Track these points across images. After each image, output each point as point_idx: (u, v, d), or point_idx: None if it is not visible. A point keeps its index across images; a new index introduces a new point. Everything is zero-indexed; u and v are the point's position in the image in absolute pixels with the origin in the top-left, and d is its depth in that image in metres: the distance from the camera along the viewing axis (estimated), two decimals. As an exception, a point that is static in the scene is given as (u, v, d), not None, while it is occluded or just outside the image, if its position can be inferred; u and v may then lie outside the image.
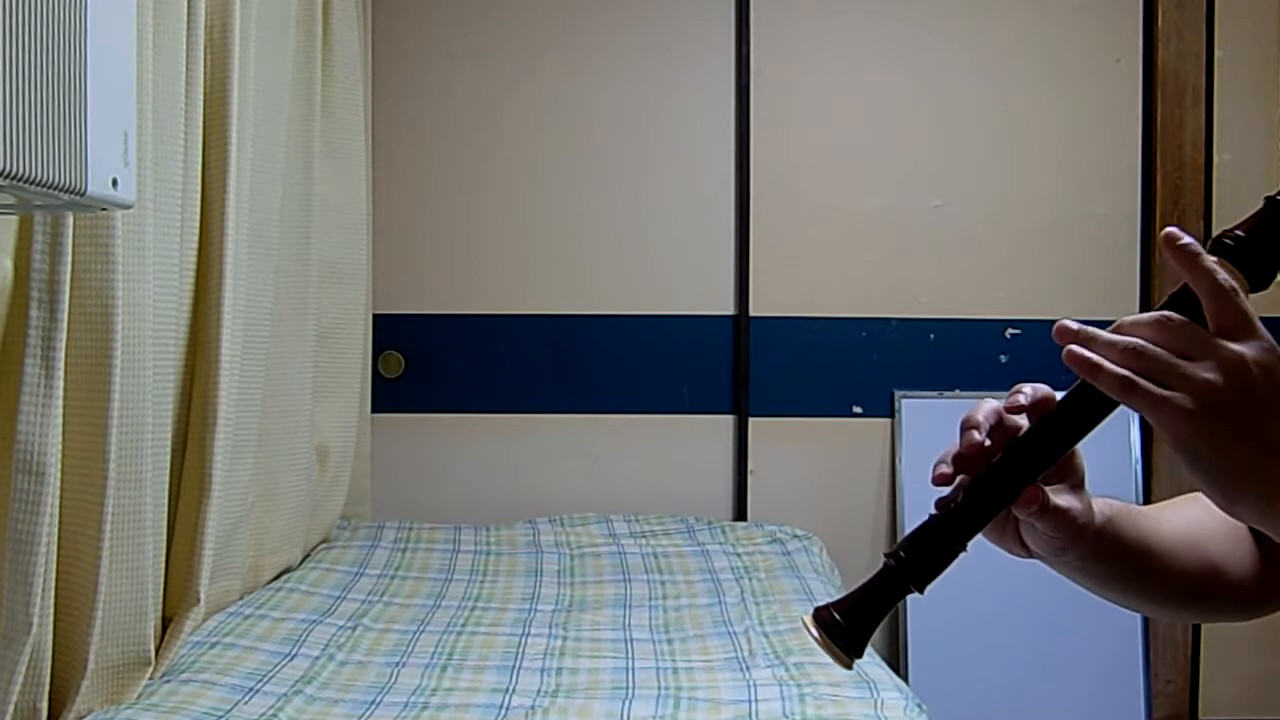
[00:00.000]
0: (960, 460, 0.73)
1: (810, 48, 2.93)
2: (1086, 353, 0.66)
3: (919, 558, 0.73)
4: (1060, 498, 0.74)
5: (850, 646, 0.72)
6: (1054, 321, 0.69)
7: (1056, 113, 2.92)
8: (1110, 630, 2.79)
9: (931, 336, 2.92)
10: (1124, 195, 2.92)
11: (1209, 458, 0.65)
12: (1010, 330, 2.87)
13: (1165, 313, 0.66)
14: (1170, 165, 2.87)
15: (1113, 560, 0.79)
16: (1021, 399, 0.73)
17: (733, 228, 2.92)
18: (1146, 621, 2.82)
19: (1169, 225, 2.74)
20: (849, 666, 0.74)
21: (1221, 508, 0.67)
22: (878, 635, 2.85)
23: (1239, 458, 0.64)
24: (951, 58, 2.93)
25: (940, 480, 0.73)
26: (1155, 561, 0.81)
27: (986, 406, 0.74)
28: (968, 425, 0.73)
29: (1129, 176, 2.92)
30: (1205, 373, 0.64)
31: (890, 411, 2.91)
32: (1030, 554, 0.78)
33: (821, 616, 0.73)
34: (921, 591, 0.73)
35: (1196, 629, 2.88)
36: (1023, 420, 0.73)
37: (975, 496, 0.72)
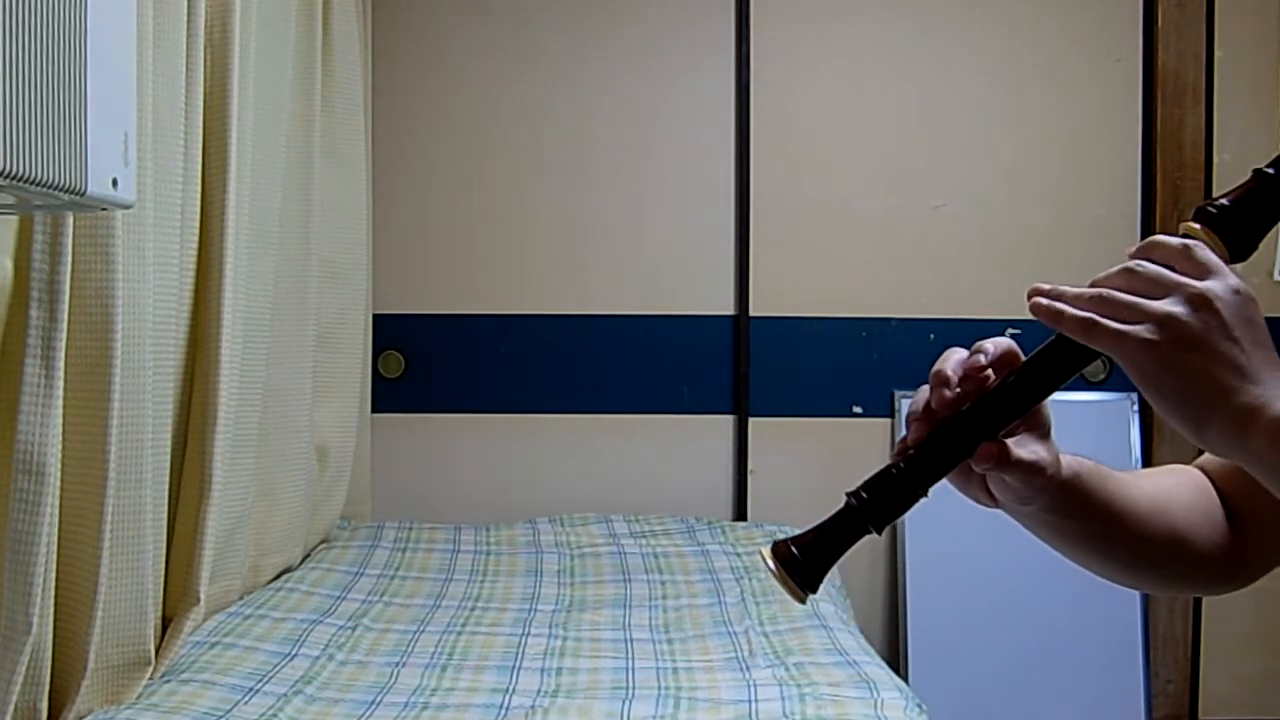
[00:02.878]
0: (930, 413, 0.74)
1: (810, 48, 2.93)
2: (1050, 301, 0.69)
3: (880, 500, 0.74)
4: (1026, 449, 0.74)
5: (806, 581, 0.74)
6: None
7: (1056, 113, 2.92)
8: (1110, 630, 2.79)
9: (931, 336, 2.92)
10: (1124, 195, 2.92)
11: (1174, 387, 0.66)
12: (1010, 330, 2.87)
13: (1136, 261, 0.68)
14: (1170, 165, 2.87)
15: (1077, 516, 0.80)
16: (983, 358, 0.74)
17: (733, 228, 2.92)
18: (1146, 621, 2.82)
19: (1169, 225, 2.73)
20: (803, 601, 0.75)
21: (1192, 439, 0.68)
22: (878, 634, 2.86)
23: (1205, 384, 0.65)
24: (952, 58, 2.93)
25: (906, 445, 0.74)
26: (1120, 522, 0.81)
27: (954, 358, 0.75)
28: (939, 381, 0.74)
29: (1129, 176, 2.92)
30: (1168, 305, 0.65)
31: (890, 411, 2.91)
32: (996, 504, 0.78)
33: (779, 551, 0.74)
34: (879, 533, 0.75)
35: (1196, 629, 2.88)
36: (992, 372, 0.74)
37: (938, 444, 0.73)
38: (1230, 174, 2.87)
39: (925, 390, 0.75)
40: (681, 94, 2.94)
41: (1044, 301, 0.68)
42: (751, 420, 2.92)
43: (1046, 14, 2.92)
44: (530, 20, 2.93)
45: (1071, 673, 2.78)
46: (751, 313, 2.92)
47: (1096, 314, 0.67)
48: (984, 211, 2.93)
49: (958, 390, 0.73)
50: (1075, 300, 0.68)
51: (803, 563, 0.73)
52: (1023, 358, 0.74)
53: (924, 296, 2.92)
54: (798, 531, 0.76)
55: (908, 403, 2.85)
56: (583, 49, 2.93)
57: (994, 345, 0.75)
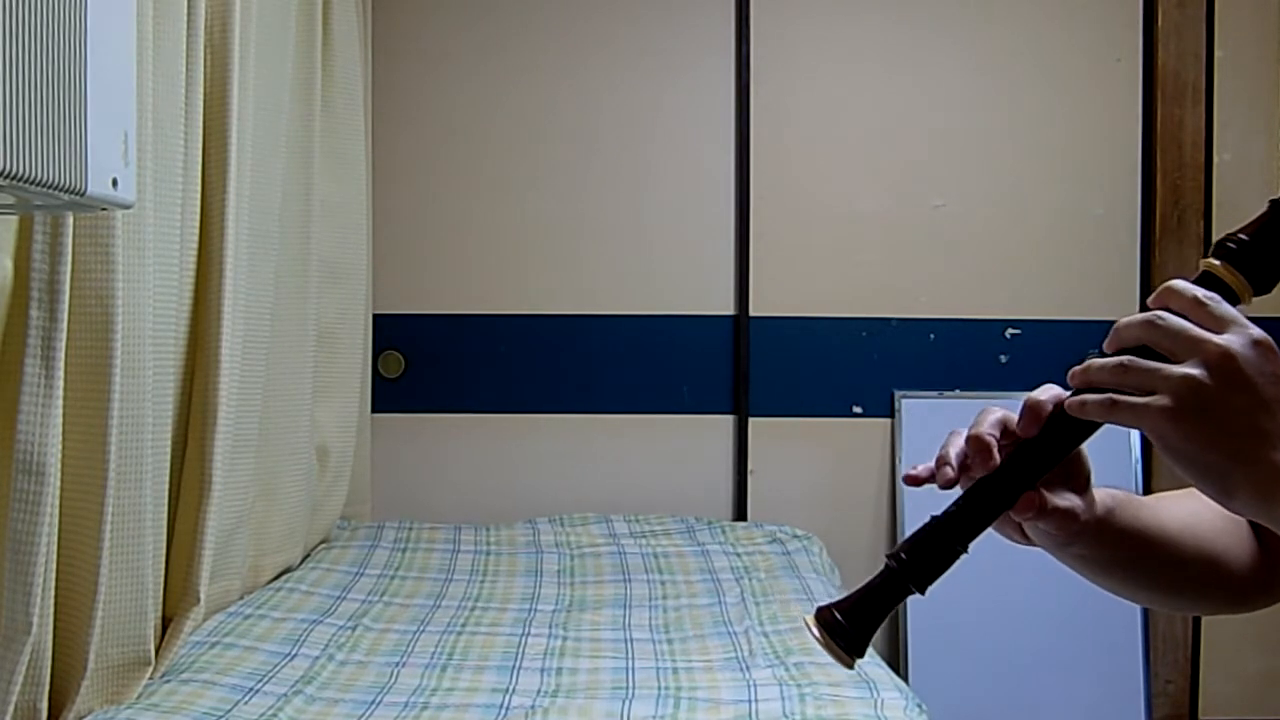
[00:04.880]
0: (965, 466, 0.74)
1: (810, 48, 2.93)
2: (1071, 398, 0.69)
3: (920, 559, 0.73)
4: (1062, 498, 0.75)
5: (852, 647, 0.73)
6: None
7: (1056, 113, 2.92)
8: (1110, 630, 2.79)
9: (931, 336, 2.92)
10: (1124, 195, 2.92)
11: (1196, 454, 0.65)
12: (1010, 330, 2.87)
13: (1157, 312, 0.67)
14: (1170, 165, 2.87)
15: (1112, 549, 0.80)
16: (1034, 424, 0.73)
17: (733, 228, 2.92)
18: (1147, 621, 2.82)
19: (1169, 225, 2.71)
20: (850, 666, 0.74)
21: (1220, 503, 0.67)
22: (878, 635, 2.86)
23: (1226, 450, 0.64)
24: (952, 58, 2.93)
25: (948, 485, 0.74)
26: (1155, 551, 0.81)
27: (992, 419, 0.74)
28: (979, 448, 0.73)
29: (1129, 176, 2.92)
30: (1186, 369, 0.64)
31: (890, 411, 2.91)
32: (1030, 543, 0.79)
33: (823, 616, 0.74)
34: (923, 593, 0.74)
35: (1196, 629, 2.88)
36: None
37: (976, 500, 0.73)
38: (1230, 174, 2.87)
39: (954, 440, 0.75)
40: (681, 94, 2.94)
41: (1068, 399, 0.69)
42: (751, 420, 2.92)
43: (1046, 14, 2.92)
44: (530, 20, 2.93)
45: (1071, 673, 2.78)
46: (751, 313, 2.92)
47: (1117, 385, 0.66)
48: (984, 211, 2.93)
49: (996, 461, 0.73)
50: (1099, 372, 0.68)
51: (847, 627, 0.73)
52: None
53: (924, 296, 2.92)
54: (838, 597, 0.76)
55: (908, 403, 2.89)
56: (583, 49, 2.93)
57: (1050, 399, 0.73)
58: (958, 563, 0.74)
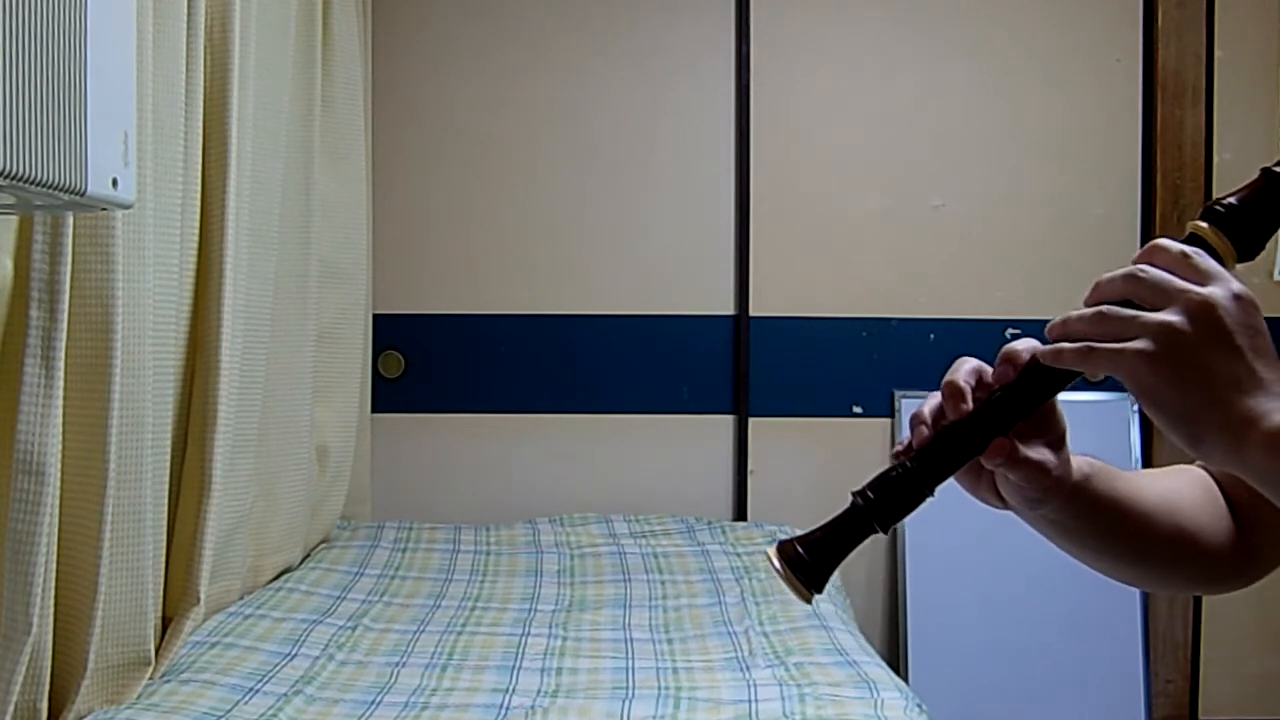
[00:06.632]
0: (940, 421, 0.74)
1: (810, 48, 2.93)
2: (1046, 347, 0.69)
3: (887, 499, 0.74)
4: (1034, 451, 0.75)
5: (811, 581, 0.73)
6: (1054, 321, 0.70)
7: (1056, 113, 2.92)
8: (1110, 630, 2.79)
9: (931, 336, 2.92)
10: (1124, 195, 2.92)
11: (1171, 398, 0.65)
12: (1010, 330, 2.87)
13: (1140, 265, 0.67)
14: (1170, 165, 2.87)
15: (1085, 517, 0.80)
16: (1011, 371, 0.74)
17: (733, 228, 2.92)
18: (1146, 621, 2.82)
19: (1169, 225, 2.70)
20: (808, 600, 0.75)
21: (1190, 450, 0.67)
22: (878, 635, 2.86)
23: (1201, 395, 0.64)
24: (952, 58, 2.93)
25: (910, 446, 0.75)
26: (1128, 522, 0.81)
27: (966, 367, 0.75)
28: (952, 391, 0.74)
29: (1129, 176, 2.92)
30: (1166, 315, 0.65)
31: (890, 411, 2.91)
32: (1005, 505, 0.78)
33: (786, 551, 0.74)
34: (885, 532, 0.74)
35: (1196, 628, 2.88)
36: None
37: (946, 444, 0.73)
38: (1230, 174, 2.87)
39: (931, 397, 0.75)
40: (681, 94, 2.94)
41: (1044, 348, 0.69)
42: (751, 420, 2.92)
43: (1046, 14, 2.92)
44: (530, 20, 2.93)
45: (1071, 672, 2.78)
46: (751, 313, 2.92)
47: (1096, 335, 0.66)
48: (984, 211, 2.93)
49: (969, 406, 0.73)
50: (1078, 322, 0.68)
51: (808, 562, 0.73)
52: None
53: (924, 296, 2.92)
54: (802, 532, 0.76)
55: (908, 403, 2.88)
56: (583, 48, 2.93)
57: (1027, 349, 0.74)
58: (923, 506, 0.74)
